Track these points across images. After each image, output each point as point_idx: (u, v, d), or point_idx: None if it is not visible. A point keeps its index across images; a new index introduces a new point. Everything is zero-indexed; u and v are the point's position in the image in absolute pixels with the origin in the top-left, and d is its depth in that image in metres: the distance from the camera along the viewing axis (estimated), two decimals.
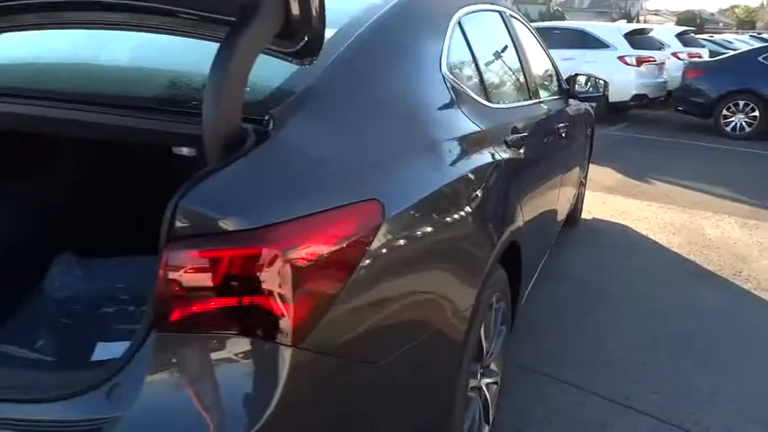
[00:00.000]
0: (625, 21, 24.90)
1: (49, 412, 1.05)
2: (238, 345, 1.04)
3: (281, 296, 1.03)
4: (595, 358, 2.69)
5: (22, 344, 1.65)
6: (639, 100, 9.78)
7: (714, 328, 3.02)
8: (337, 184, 1.20)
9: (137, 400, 1.00)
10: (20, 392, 1.09)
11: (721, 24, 44.52)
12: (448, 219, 1.51)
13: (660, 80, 10.19)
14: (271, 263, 1.02)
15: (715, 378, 2.57)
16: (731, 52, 10.92)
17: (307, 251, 1.06)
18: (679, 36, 12.06)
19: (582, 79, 3.72)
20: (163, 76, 1.64)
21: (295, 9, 1.18)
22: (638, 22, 29.27)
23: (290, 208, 1.07)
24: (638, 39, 10.15)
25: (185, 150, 1.47)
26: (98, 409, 1.02)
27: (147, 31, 1.55)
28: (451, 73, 1.84)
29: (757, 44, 16.31)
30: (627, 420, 2.28)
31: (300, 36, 1.25)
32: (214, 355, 1.05)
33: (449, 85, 1.78)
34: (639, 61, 9.70)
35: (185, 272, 1.02)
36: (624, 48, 9.83)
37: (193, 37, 1.47)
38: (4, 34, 1.69)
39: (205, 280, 1.02)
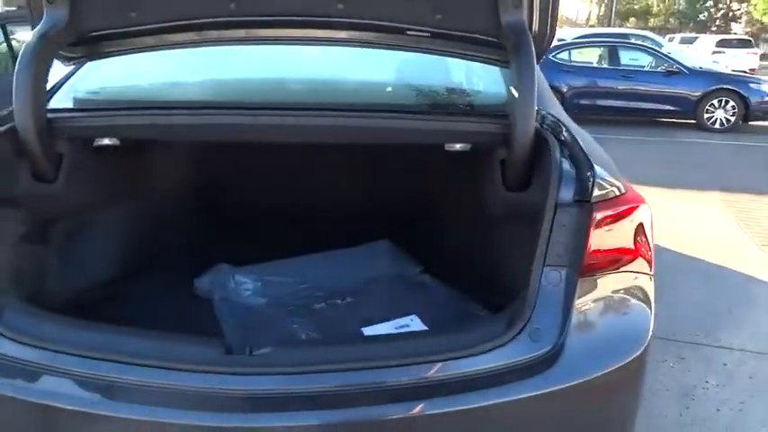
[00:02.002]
0: None
1: (488, 362, 1.18)
2: (627, 278, 1.35)
3: (643, 238, 1.37)
4: None
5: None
6: None
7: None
8: (604, 162, 1.49)
9: (569, 334, 1.19)
10: (454, 351, 1.21)
11: None
12: None
13: None
14: (640, 214, 1.39)
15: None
16: None
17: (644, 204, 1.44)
18: None
19: None
20: (414, 87, 1.92)
21: (535, 28, 1.49)
22: None
23: (615, 176, 1.39)
24: None
25: (458, 146, 1.64)
26: (526, 351, 1.21)
27: (360, 47, 1.69)
28: None
29: None
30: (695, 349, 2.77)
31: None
32: (615, 287, 1.33)
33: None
34: None
35: (604, 227, 1.29)
36: None
37: (420, 51, 1.66)
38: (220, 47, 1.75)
39: (612, 231, 1.31)
